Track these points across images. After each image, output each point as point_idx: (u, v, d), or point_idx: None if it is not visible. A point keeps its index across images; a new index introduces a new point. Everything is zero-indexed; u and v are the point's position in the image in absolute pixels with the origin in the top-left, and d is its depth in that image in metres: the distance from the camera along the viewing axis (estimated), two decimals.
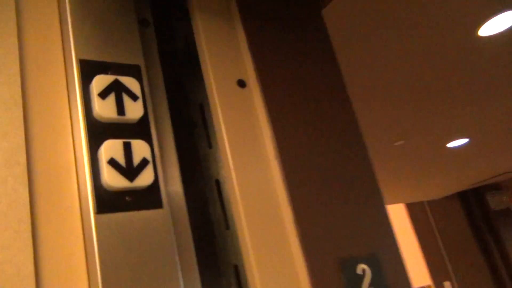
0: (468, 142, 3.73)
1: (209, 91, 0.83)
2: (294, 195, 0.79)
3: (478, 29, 1.84)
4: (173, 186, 0.71)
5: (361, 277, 0.78)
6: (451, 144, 3.72)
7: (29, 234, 0.55)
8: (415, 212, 7.17)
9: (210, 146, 0.88)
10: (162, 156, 0.71)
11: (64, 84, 0.66)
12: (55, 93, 0.65)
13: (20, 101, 0.62)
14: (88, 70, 0.65)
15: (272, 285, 0.72)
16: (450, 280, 6.81)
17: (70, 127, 0.64)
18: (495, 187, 6.77)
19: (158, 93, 0.75)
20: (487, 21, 1.79)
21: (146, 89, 0.70)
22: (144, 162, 0.63)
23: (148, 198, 0.63)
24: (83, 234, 0.60)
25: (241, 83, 0.85)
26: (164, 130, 0.73)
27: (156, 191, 0.64)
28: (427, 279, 7.21)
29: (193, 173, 0.85)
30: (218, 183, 0.86)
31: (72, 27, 0.67)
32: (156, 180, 0.64)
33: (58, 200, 0.59)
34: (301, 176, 0.82)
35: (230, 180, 0.79)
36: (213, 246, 0.83)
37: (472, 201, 6.70)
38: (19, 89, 0.62)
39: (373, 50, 1.83)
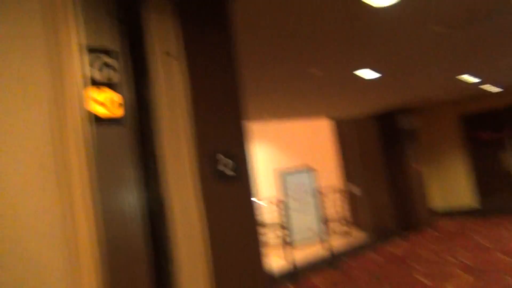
0: (380, 76, 4.61)
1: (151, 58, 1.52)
2: (195, 112, 1.53)
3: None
4: None
5: (220, 160, 1.59)
6: (360, 73, 4.56)
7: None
8: (341, 128, 8.27)
9: None
10: None
11: None
12: None
13: None
14: None
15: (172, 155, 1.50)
16: (357, 184, 8.15)
17: None
18: (406, 111, 7.95)
19: None
20: None
21: None
22: None
23: None
24: None
25: (168, 54, 1.54)
26: None
27: None
28: (339, 182, 8.55)
29: None
30: None
31: None
32: None
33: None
34: (199, 103, 1.56)
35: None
36: None
37: (386, 121, 7.85)
38: None
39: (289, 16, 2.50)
